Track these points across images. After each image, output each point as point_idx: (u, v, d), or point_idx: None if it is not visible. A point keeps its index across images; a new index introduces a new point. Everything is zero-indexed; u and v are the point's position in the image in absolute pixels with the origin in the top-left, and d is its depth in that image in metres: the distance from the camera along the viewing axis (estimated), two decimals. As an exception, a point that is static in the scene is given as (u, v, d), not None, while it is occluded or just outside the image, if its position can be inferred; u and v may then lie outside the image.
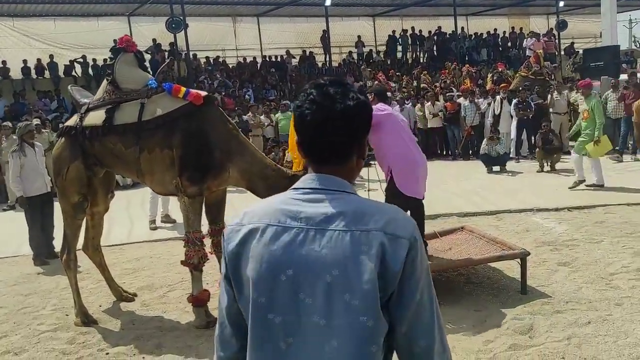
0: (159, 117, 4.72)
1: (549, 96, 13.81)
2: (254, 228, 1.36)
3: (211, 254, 5.21)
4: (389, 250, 1.28)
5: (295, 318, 1.29)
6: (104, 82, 5.16)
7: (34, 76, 19.72)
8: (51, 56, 19.75)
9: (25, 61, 19.63)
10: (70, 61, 20.01)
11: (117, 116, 4.85)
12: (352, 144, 1.39)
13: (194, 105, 4.73)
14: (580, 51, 21.77)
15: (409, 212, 5.38)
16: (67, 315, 5.28)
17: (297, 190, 1.40)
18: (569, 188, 9.48)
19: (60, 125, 5.72)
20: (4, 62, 19.43)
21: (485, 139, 12.43)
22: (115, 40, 5.48)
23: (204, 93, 4.93)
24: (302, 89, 1.41)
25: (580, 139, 9.52)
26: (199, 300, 4.74)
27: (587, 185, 9.42)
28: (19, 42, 20.74)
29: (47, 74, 19.80)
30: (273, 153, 12.11)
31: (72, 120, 5.21)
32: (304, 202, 1.35)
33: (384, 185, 5.28)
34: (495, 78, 17.25)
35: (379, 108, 4.98)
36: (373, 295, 1.26)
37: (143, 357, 4.31)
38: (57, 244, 7.61)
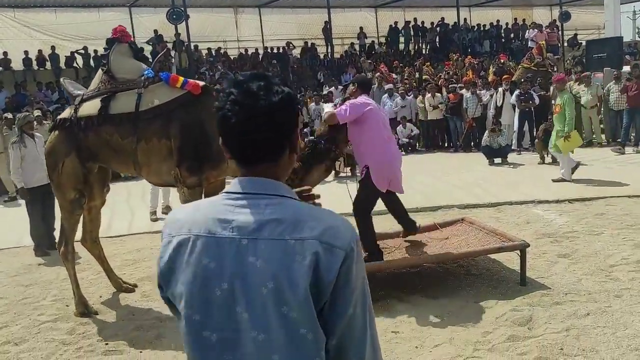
0: (156, 107, 4.70)
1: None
2: (183, 240, 1.28)
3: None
4: (323, 259, 1.21)
5: (233, 334, 1.24)
6: (99, 73, 5.13)
7: (35, 67, 19.71)
8: (52, 47, 19.73)
9: (26, 52, 19.61)
10: (71, 52, 19.98)
11: (113, 105, 4.81)
12: (280, 141, 1.31)
13: (192, 95, 4.73)
14: (583, 43, 21.67)
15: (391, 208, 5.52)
16: (67, 305, 5.30)
17: (229, 194, 1.31)
18: (553, 180, 9.53)
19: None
20: (5, 54, 19.42)
21: (487, 131, 12.39)
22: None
23: (202, 83, 4.93)
24: (222, 88, 1.34)
25: (553, 136, 9.62)
26: None
27: (553, 180, 9.49)
28: (20, 34, 20.71)
29: (48, 65, 19.79)
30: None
31: (66, 113, 5.11)
32: (236, 208, 1.27)
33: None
34: (494, 69, 17.14)
35: (363, 101, 4.97)
36: (310, 307, 1.21)
37: (142, 348, 4.33)
38: (58, 235, 7.65)
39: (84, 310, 5.01)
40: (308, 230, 1.23)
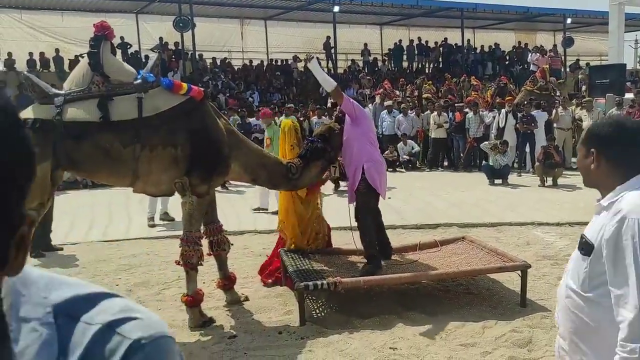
0: (162, 113, 4.47)
1: (554, 111, 13.81)
2: None
3: (209, 254, 5.18)
4: None
5: None
6: (82, 71, 4.64)
7: (39, 69, 19.72)
8: (57, 50, 19.77)
9: (31, 54, 19.64)
10: (75, 56, 20.01)
11: (113, 110, 4.41)
12: None
13: (195, 101, 4.61)
14: (584, 64, 21.78)
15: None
16: (60, 308, 5.22)
17: None
18: (253, 209, 9.45)
19: None
20: (9, 54, 19.44)
21: (489, 144, 12.40)
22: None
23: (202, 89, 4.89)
24: None
25: None
26: (193, 300, 4.68)
27: (253, 210, 9.46)
28: (25, 35, 20.76)
29: (52, 67, 19.81)
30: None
31: (32, 113, 4.43)
32: None
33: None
34: (495, 90, 17.12)
35: (353, 102, 5.26)
36: None
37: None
38: (54, 236, 7.58)
39: None
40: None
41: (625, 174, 1.84)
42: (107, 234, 8.31)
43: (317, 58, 5.44)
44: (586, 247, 1.88)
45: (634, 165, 1.85)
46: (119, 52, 19.63)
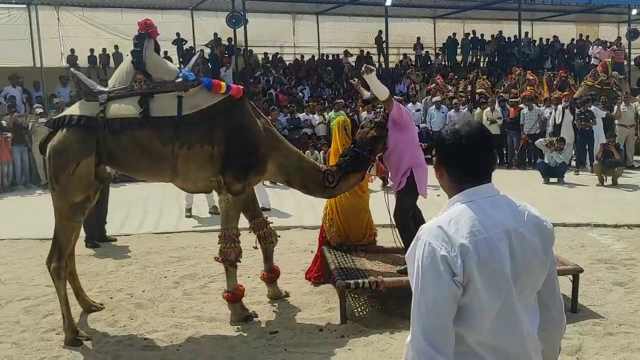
0: (200, 111, 4.49)
1: (615, 107, 13.19)
2: None
3: (255, 248, 5.23)
4: None
5: None
6: (125, 69, 4.69)
7: (99, 65, 20.44)
8: (116, 46, 20.41)
9: (92, 50, 20.36)
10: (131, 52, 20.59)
11: (154, 108, 4.46)
12: None
13: (234, 99, 4.62)
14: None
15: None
16: (111, 298, 5.41)
17: None
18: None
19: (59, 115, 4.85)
20: (72, 51, 20.22)
21: (544, 141, 11.96)
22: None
23: (241, 87, 4.86)
24: None
25: None
26: (234, 296, 4.73)
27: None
28: (87, 32, 21.53)
29: (112, 63, 20.48)
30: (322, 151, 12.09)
31: (78, 109, 4.60)
32: None
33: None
34: (557, 83, 16.51)
35: (401, 107, 5.15)
36: None
37: (180, 345, 4.35)
38: (109, 227, 7.85)
39: (73, 337, 4.44)
40: None
41: (461, 186, 1.73)
42: (158, 226, 8.54)
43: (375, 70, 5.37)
44: None
45: (467, 177, 1.72)
46: (174, 48, 20.15)
